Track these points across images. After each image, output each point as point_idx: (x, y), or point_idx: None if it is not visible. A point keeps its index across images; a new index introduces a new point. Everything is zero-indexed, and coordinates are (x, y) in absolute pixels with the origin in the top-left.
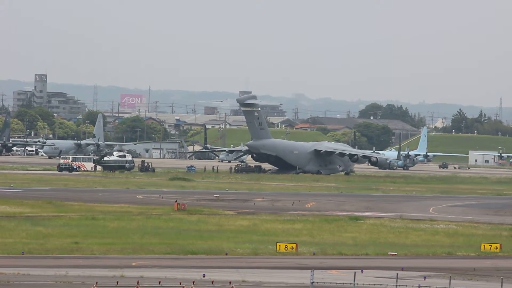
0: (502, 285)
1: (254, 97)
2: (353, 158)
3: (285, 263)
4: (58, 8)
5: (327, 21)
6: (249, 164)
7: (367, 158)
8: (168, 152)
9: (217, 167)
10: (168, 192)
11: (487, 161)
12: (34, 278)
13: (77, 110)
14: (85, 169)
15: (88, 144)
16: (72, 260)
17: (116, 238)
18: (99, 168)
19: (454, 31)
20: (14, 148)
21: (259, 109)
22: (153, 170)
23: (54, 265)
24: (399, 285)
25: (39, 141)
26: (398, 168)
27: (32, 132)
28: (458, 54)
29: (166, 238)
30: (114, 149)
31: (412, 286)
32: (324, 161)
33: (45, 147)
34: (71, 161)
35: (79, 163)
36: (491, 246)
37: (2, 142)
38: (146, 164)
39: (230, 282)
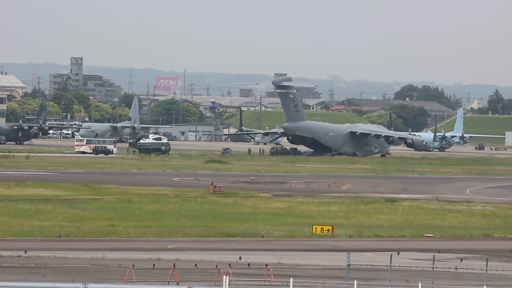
0: None
1: (290, 79)
2: (389, 140)
3: (321, 245)
4: None
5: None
6: (284, 147)
7: (403, 140)
8: (204, 134)
9: (262, 150)
10: (204, 174)
11: None
12: (71, 261)
13: (112, 93)
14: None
15: (124, 127)
16: (108, 243)
17: (152, 221)
18: (115, 150)
19: (491, 14)
20: (51, 131)
21: (294, 91)
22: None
23: (90, 248)
24: (436, 267)
25: (75, 124)
26: (434, 150)
27: (68, 115)
28: (495, 37)
29: (202, 221)
30: (149, 131)
31: (449, 268)
32: (359, 143)
33: (81, 130)
34: (85, 143)
35: (94, 145)
36: None
37: (39, 125)
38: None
39: (266, 265)
